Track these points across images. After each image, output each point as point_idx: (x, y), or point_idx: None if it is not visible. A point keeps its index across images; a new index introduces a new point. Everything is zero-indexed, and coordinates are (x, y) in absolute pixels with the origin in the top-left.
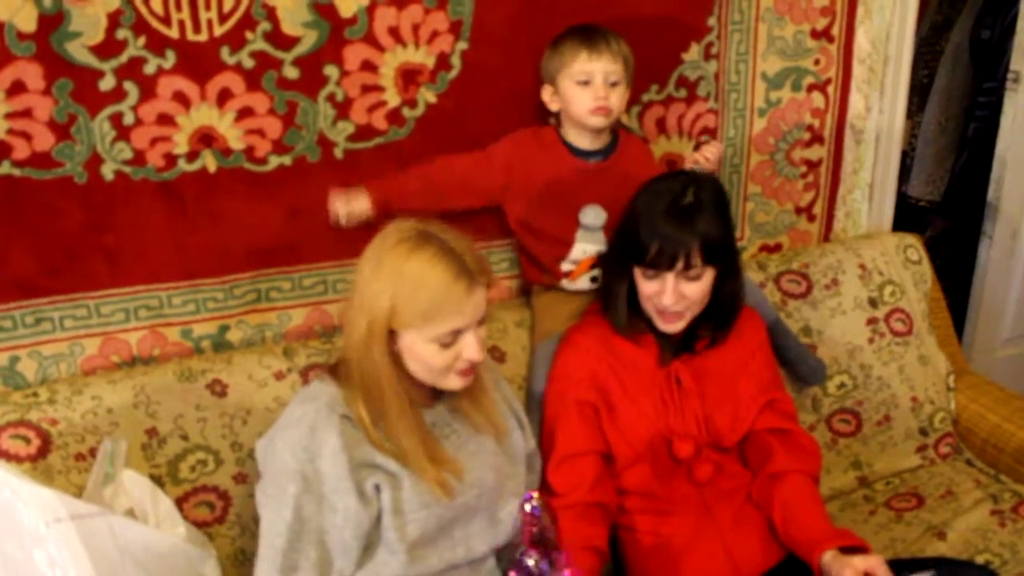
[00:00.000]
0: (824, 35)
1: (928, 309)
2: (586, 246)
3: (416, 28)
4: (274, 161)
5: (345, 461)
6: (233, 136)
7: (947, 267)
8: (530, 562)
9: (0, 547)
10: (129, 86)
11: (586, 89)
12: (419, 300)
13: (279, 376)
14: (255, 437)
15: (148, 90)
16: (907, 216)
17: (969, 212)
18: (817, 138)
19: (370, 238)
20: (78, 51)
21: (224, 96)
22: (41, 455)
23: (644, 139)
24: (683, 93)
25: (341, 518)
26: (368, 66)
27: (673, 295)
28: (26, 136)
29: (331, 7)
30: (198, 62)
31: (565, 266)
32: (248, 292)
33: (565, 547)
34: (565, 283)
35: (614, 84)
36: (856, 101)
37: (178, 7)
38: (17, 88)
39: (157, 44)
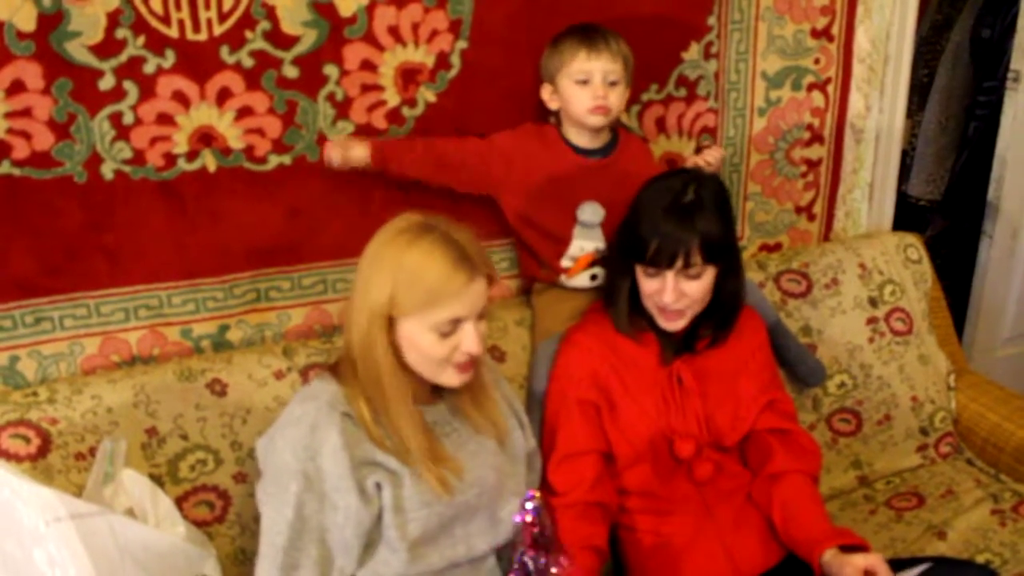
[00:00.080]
0: (824, 34)
1: (928, 308)
2: (583, 243)
3: (416, 27)
4: (274, 160)
5: (346, 459)
6: (233, 135)
7: (947, 266)
8: (529, 562)
9: (0, 546)
10: (129, 85)
11: (585, 88)
12: (419, 286)
13: (279, 375)
14: (255, 436)
15: (148, 89)
16: (907, 215)
17: (969, 211)
18: (817, 137)
19: (371, 235)
20: (77, 50)
21: (224, 95)
22: (41, 454)
23: (644, 138)
24: (683, 92)
25: (342, 516)
26: (368, 65)
27: (673, 293)
28: (26, 135)
29: (331, 6)
30: (198, 61)
31: (564, 262)
32: (248, 292)
33: (564, 547)
34: (564, 279)
35: (613, 83)
36: (856, 100)
37: (177, 6)
38: (16, 87)
39: (157, 43)
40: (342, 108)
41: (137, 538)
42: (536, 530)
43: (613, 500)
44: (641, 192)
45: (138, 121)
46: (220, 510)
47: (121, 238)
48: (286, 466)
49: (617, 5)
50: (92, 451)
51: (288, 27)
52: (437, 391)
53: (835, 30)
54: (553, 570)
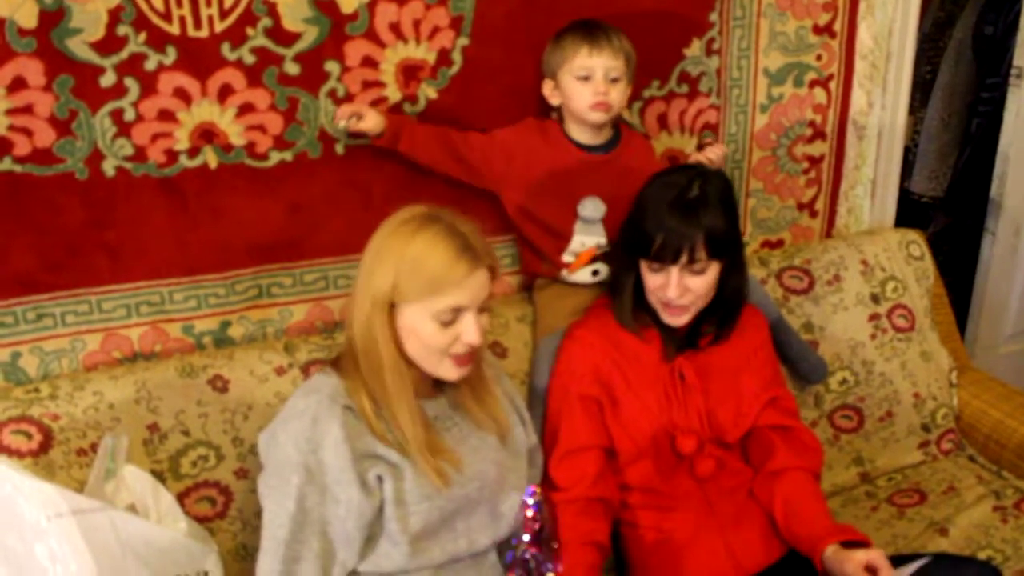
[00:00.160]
0: (826, 31)
1: (931, 305)
2: (584, 238)
3: (417, 24)
4: (275, 157)
5: (347, 452)
6: (234, 132)
7: (950, 263)
8: (530, 558)
9: (1, 541)
10: (130, 82)
11: (586, 84)
12: (422, 274)
13: (280, 372)
14: (256, 432)
15: (149, 86)
16: (910, 212)
17: (972, 208)
18: (819, 134)
19: (372, 231)
20: (79, 47)
21: (225, 92)
22: (43, 450)
23: (646, 135)
24: (685, 89)
25: (344, 509)
26: (369, 62)
27: (678, 288)
28: (27, 132)
29: (332, 3)
30: (199, 58)
31: (565, 257)
32: (249, 288)
33: (560, 546)
34: (565, 275)
35: (614, 80)
36: (858, 97)
37: (179, 3)
38: (18, 84)
39: (158, 40)
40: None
41: (138, 534)
42: (537, 526)
43: (615, 496)
44: (646, 187)
45: (139, 118)
46: (222, 506)
47: (123, 235)
48: (288, 459)
49: (618, 1)
50: (94, 447)
51: (289, 24)
52: (438, 385)
53: (837, 26)
54: (549, 564)
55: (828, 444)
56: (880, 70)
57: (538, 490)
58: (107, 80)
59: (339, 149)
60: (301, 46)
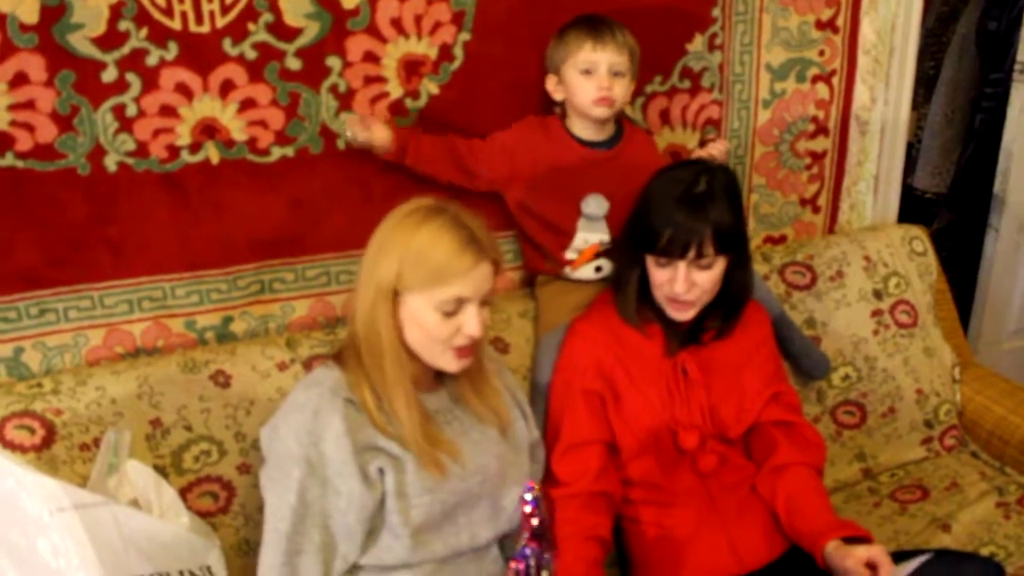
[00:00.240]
0: (829, 26)
1: (933, 301)
2: (587, 235)
3: (418, 19)
4: (277, 152)
5: (349, 444)
6: (236, 127)
7: (953, 259)
8: (531, 554)
9: (4, 536)
10: (131, 78)
11: (590, 79)
12: (426, 263)
13: (282, 367)
14: (258, 428)
15: (150, 82)
16: (913, 208)
17: (975, 204)
18: (822, 129)
19: (374, 226)
20: (80, 43)
21: (226, 87)
22: (45, 445)
23: (648, 131)
24: (687, 84)
25: (345, 501)
26: (370, 57)
27: (684, 283)
28: (29, 128)
29: None
30: (200, 53)
31: (568, 254)
32: (251, 283)
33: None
34: (568, 271)
35: (618, 75)
36: (861, 92)
37: None
38: (20, 80)
39: (159, 36)
40: (345, 100)
41: (141, 528)
42: (536, 521)
43: (617, 491)
44: (651, 182)
45: (141, 113)
46: (224, 501)
47: (125, 230)
48: (289, 452)
49: None
50: (96, 442)
51: (291, 19)
52: (438, 379)
53: (840, 22)
54: (548, 559)
55: (830, 440)
56: (883, 65)
57: (536, 486)
58: (109, 75)
59: (340, 145)
60: (302, 41)
